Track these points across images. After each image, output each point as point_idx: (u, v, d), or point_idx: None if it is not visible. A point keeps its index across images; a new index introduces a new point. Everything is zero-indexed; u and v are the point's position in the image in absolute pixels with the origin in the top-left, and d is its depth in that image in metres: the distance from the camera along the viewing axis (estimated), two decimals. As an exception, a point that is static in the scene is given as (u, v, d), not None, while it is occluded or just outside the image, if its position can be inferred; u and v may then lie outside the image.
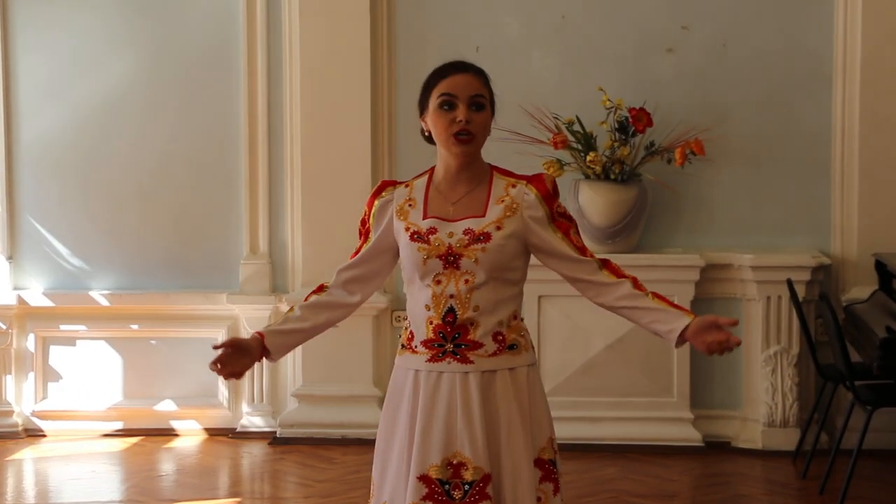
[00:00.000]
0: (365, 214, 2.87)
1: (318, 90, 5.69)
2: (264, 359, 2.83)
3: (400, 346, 2.85)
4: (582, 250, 2.78)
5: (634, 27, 5.69)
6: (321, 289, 2.89)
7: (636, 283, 2.77)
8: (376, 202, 2.86)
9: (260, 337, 2.81)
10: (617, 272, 2.78)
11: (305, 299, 2.88)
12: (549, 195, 2.78)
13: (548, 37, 5.73)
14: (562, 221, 2.79)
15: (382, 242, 2.84)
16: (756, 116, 5.63)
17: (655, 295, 2.76)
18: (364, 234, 2.87)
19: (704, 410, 5.61)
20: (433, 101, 2.77)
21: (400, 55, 5.75)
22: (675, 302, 2.81)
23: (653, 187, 5.57)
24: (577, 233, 2.82)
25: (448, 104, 2.74)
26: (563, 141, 5.40)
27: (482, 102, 2.75)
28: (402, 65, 5.74)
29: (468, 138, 2.74)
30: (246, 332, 5.80)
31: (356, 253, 2.88)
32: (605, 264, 2.79)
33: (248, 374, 5.58)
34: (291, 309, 2.88)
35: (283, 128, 5.79)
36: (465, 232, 2.75)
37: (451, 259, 2.74)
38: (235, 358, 2.77)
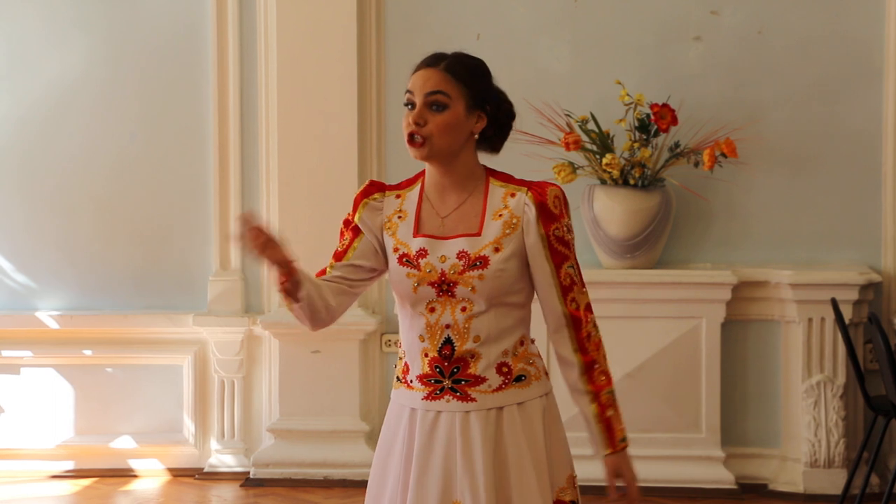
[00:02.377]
0: (350, 214, 2.86)
1: (298, 83, 5.68)
2: (283, 295, 2.75)
3: (395, 379, 2.85)
4: (565, 290, 2.74)
5: (657, 12, 5.68)
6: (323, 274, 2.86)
7: (587, 369, 2.75)
8: (365, 201, 2.84)
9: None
10: (578, 340, 2.75)
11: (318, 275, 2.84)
12: (548, 213, 2.74)
13: (558, 23, 5.72)
14: (557, 248, 2.75)
15: (373, 246, 2.83)
16: (795, 114, 5.62)
17: (597, 394, 2.74)
18: (352, 230, 2.84)
19: (738, 448, 5.58)
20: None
21: (390, 44, 5.74)
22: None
23: (678, 194, 5.55)
24: (574, 268, 2.77)
25: (410, 103, 2.76)
26: (576, 141, 5.40)
27: (441, 101, 2.73)
28: (393, 54, 5.72)
29: (419, 142, 2.73)
30: (215, 359, 5.82)
31: (346, 248, 2.83)
32: (574, 324, 2.75)
33: (216, 405, 5.89)
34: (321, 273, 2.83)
35: (258, 126, 5.78)
36: (459, 255, 2.74)
37: (444, 287, 2.74)
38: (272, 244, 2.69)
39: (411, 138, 2.74)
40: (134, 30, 5.85)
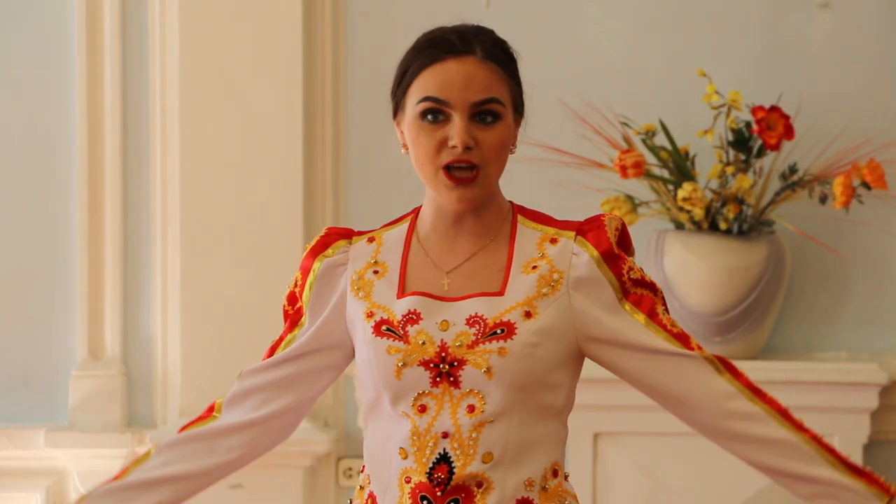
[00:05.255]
0: (297, 283, 2.92)
1: (213, 86, 5.75)
2: None
3: (351, 518, 2.87)
4: (681, 338, 2.83)
5: (762, -34, 5.76)
6: (210, 412, 2.94)
7: (782, 412, 2.87)
8: (317, 264, 2.91)
9: None
10: (744, 380, 2.84)
11: (179, 432, 2.97)
12: (612, 254, 2.83)
13: (609, -16, 5.81)
14: (639, 294, 2.85)
15: (327, 334, 2.90)
16: (976, 122, 5.68)
17: (817, 440, 2.87)
18: (293, 315, 2.93)
19: None
20: (411, 105, 2.83)
21: (352, 19, 5.81)
22: (851, 458, 2.89)
23: (794, 244, 5.60)
24: (667, 308, 2.87)
25: (434, 113, 2.79)
26: (638, 164, 5.43)
27: (496, 111, 2.81)
28: (358, 35, 5.80)
29: (469, 176, 2.78)
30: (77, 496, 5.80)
31: (276, 343, 2.93)
32: (723, 364, 2.84)
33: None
34: (148, 453, 2.93)
35: (149, 150, 5.84)
36: (471, 321, 2.79)
37: (445, 369, 2.77)
38: None
39: (455, 171, 2.78)
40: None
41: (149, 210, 5.85)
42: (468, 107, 2.79)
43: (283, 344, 2.95)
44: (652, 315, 2.85)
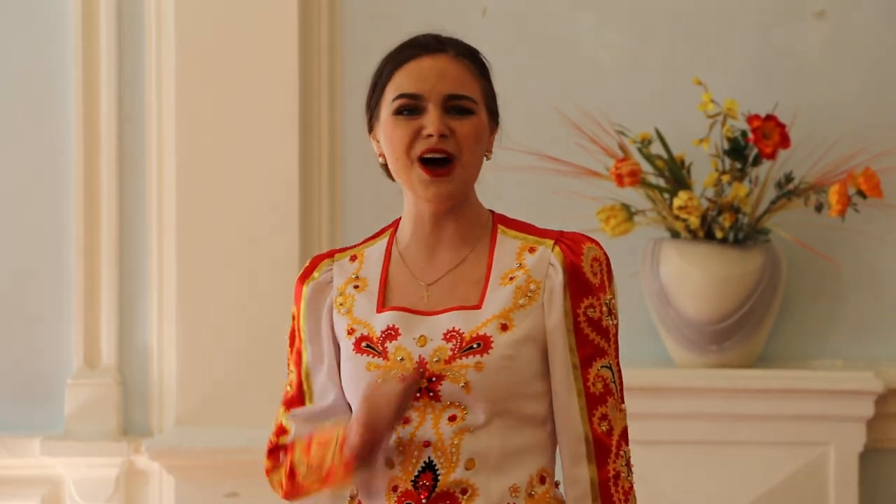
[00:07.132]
0: (293, 317, 2.93)
1: (209, 94, 5.76)
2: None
3: (337, 527, 2.92)
4: (593, 401, 2.79)
5: (757, -25, 5.77)
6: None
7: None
8: (305, 289, 2.92)
9: None
10: (601, 484, 2.79)
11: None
12: (582, 281, 2.82)
13: (607, -8, 5.83)
14: (589, 339, 2.82)
15: (330, 357, 2.90)
16: (972, 131, 5.70)
17: None
18: (296, 356, 2.93)
19: None
20: (386, 106, 2.85)
21: (350, 28, 5.82)
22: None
23: (790, 253, 5.62)
24: (611, 370, 2.83)
25: (409, 109, 2.82)
26: (634, 172, 5.45)
27: (469, 107, 2.83)
28: (355, 43, 5.80)
29: (445, 169, 2.79)
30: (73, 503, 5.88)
31: (298, 394, 2.93)
32: (599, 455, 2.80)
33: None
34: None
35: (145, 158, 5.86)
36: (448, 336, 2.80)
37: (424, 384, 2.79)
38: None
39: (429, 162, 2.80)
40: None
41: (144, 218, 5.86)
42: (442, 98, 2.81)
43: (307, 388, 2.93)
44: (586, 364, 2.81)
